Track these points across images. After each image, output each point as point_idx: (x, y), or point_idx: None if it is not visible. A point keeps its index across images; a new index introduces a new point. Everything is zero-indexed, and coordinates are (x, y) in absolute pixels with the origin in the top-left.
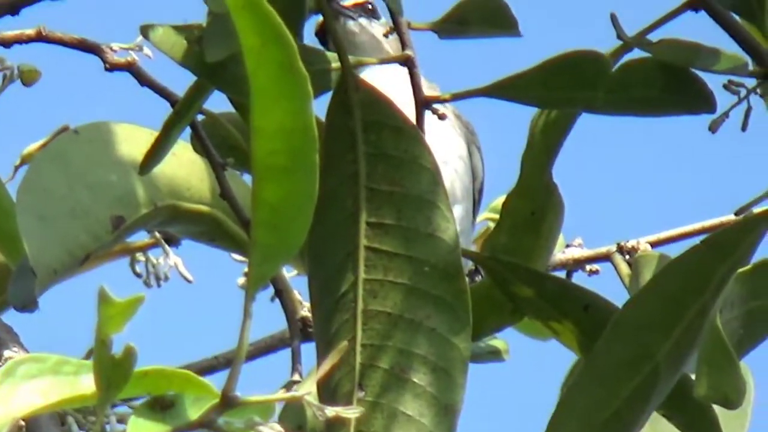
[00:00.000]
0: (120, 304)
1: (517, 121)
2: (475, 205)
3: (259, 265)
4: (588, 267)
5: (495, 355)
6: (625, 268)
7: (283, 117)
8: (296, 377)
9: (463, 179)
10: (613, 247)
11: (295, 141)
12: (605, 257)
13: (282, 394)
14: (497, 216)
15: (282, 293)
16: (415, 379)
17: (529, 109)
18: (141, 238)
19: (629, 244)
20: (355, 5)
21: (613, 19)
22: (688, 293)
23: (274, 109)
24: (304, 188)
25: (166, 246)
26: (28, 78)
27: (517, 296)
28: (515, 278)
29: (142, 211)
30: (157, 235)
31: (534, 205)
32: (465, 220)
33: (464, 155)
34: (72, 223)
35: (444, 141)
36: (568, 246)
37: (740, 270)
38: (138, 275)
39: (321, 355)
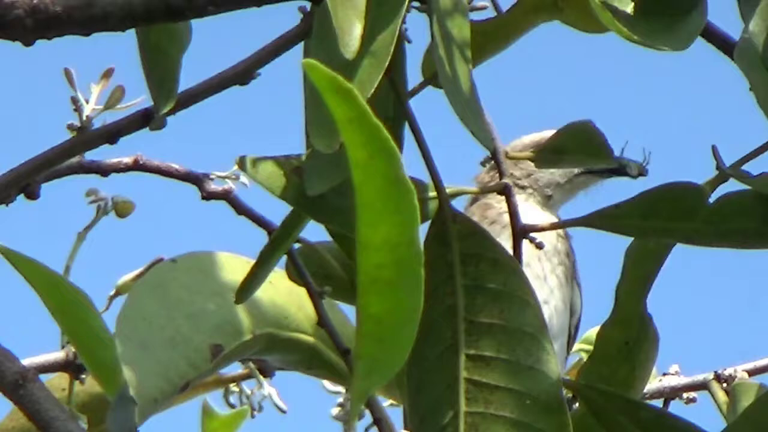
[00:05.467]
0: (223, 418)
1: (610, 250)
2: (570, 339)
3: (363, 379)
4: (685, 395)
5: None
6: (722, 397)
7: (390, 230)
8: None
9: (561, 316)
10: (710, 376)
11: (401, 254)
12: (702, 386)
13: None
14: (590, 347)
15: (380, 422)
16: None
17: (622, 238)
18: (235, 369)
19: (726, 372)
20: None
21: (714, 151)
22: None
23: (380, 222)
24: (410, 301)
25: (260, 377)
26: (122, 210)
27: (613, 425)
28: (611, 407)
29: (241, 340)
30: (252, 365)
31: (628, 335)
32: (559, 354)
33: (566, 293)
34: (172, 352)
35: (549, 278)
36: (665, 374)
37: None
38: (232, 407)
39: None
